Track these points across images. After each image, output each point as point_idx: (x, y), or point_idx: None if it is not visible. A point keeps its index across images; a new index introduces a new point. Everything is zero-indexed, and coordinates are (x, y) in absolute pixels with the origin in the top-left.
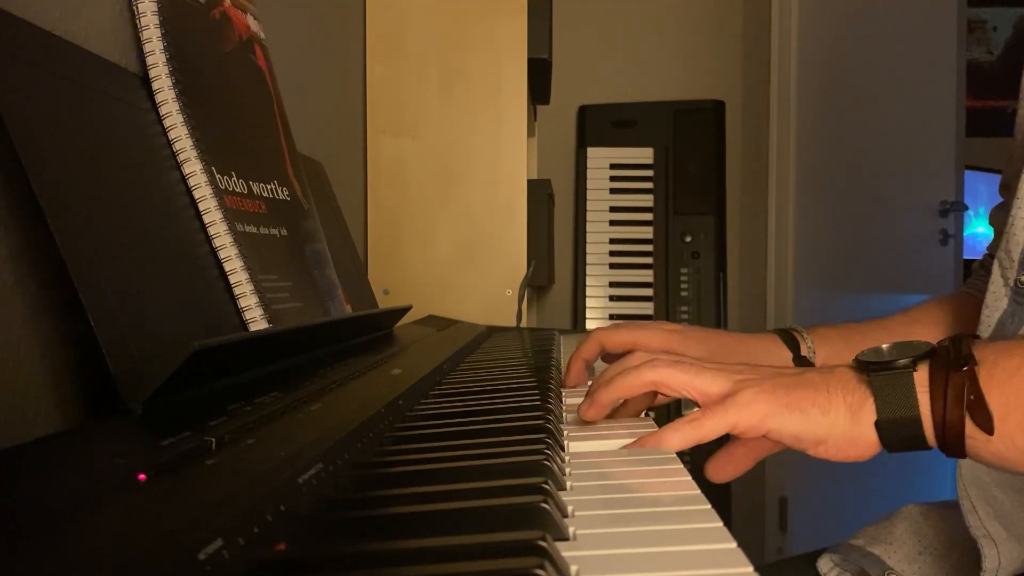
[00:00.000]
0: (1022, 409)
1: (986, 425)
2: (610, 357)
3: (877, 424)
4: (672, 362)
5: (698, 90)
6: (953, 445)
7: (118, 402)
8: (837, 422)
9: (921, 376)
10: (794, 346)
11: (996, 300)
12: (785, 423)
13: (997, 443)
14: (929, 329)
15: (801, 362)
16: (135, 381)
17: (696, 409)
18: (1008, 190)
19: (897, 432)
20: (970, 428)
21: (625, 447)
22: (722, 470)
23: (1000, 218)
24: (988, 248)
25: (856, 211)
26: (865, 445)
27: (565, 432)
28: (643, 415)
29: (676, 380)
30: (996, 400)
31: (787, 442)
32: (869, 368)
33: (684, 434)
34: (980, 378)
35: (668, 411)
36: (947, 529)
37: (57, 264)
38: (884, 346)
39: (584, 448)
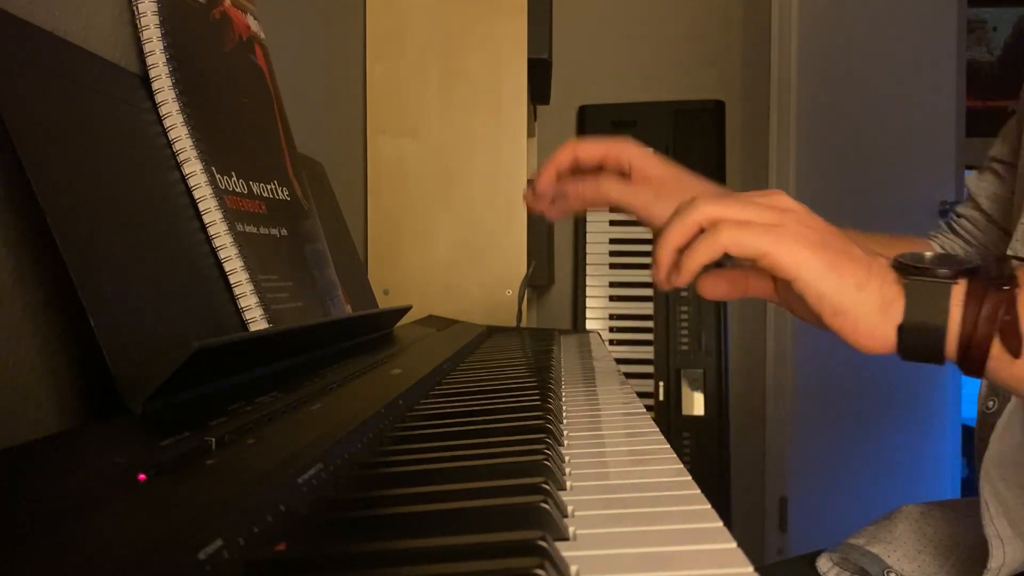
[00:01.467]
0: None
1: (1015, 347)
2: (579, 170)
3: (901, 327)
4: (743, 223)
5: (698, 90)
6: (974, 361)
7: (118, 402)
8: (866, 303)
9: (959, 290)
10: None
11: None
12: (819, 277)
13: (1021, 366)
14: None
15: None
16: (135, 381)
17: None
18: (1001, 166)
19: (919, 339)
20: (996, 348)
21: (659, 277)
22: (714, 286)
23: (981, 186)
24: (958, 209)
25: (856, 211)
26: (882, 341)
27: (565, 432)
28: (644, 412)
29: (732, 214)
30: None
31: (810, 298)
32: (909, 271)
33: (710, 248)
34: (1019, 300)
35: (667, 408)
36: (947, 528)
37: (57, 264)
38: (927, 253)
39: (584, 448)
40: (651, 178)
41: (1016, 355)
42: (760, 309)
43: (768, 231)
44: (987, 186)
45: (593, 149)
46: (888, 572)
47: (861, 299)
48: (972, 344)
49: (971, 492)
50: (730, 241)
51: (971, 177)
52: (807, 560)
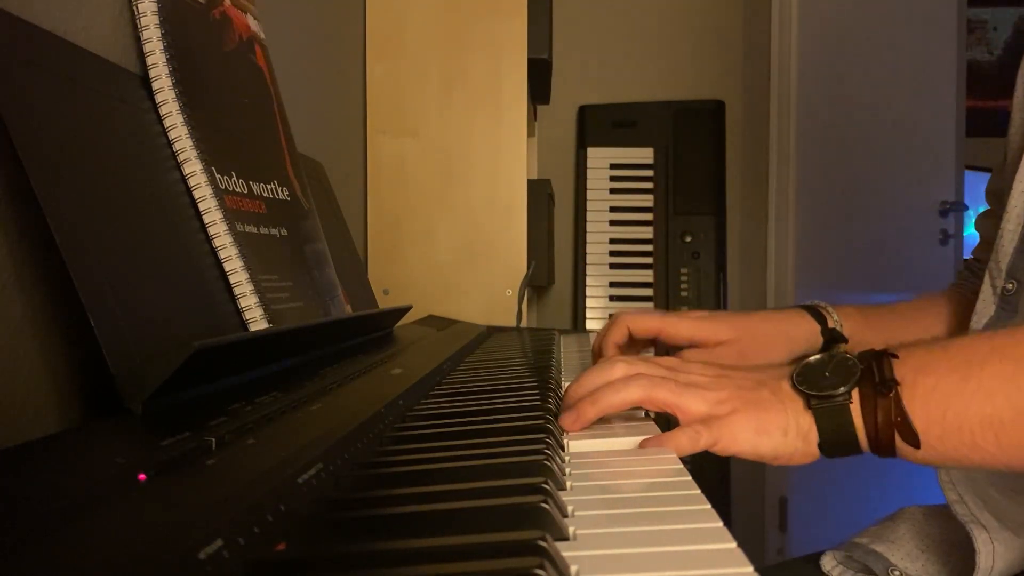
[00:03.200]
0: (939, 424)
1: (912, 440)
2: (633, 342)
3: (820, 444)
4: (658, 381)
5: (698, 90)
6: (885, 454)
7: (118, 402)
8: (793, 443)
9: (854, 405)
10: (821, 320)
11: (984, 307)
12: (755, 445)
13: (922, 453)
14: (932, 320)
15: (829, 334)
16: (135, 381)
17: (695, 424)
18: (995, 198)
19: (837, 449)
20: (899, 442)
21: (644, 444)
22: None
23: (986, 226)
24: (973, 252)
25: (856, 211)
26: (810, 459)
27: (565, 432)
28: (644, 415)
29: (660, 399)
30: (918, 417)
31: (750, 458)
32: (810, 399)
33: (693, 442)
34: (903, 398)
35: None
36: (949, 530)
37: (57, 264)
38: (815, 360)
39: (584, 448)
40: (725, 341)
41: (916, 446)
42: (760, 307)
43: (706, 430)
44: (987, 226)
45: (646, 324)
46: (892, 570)
47: (790, 443)
48: (879, 445)
49: None
50: (696, 446)
51: (978, 220)
52: (811, 561)
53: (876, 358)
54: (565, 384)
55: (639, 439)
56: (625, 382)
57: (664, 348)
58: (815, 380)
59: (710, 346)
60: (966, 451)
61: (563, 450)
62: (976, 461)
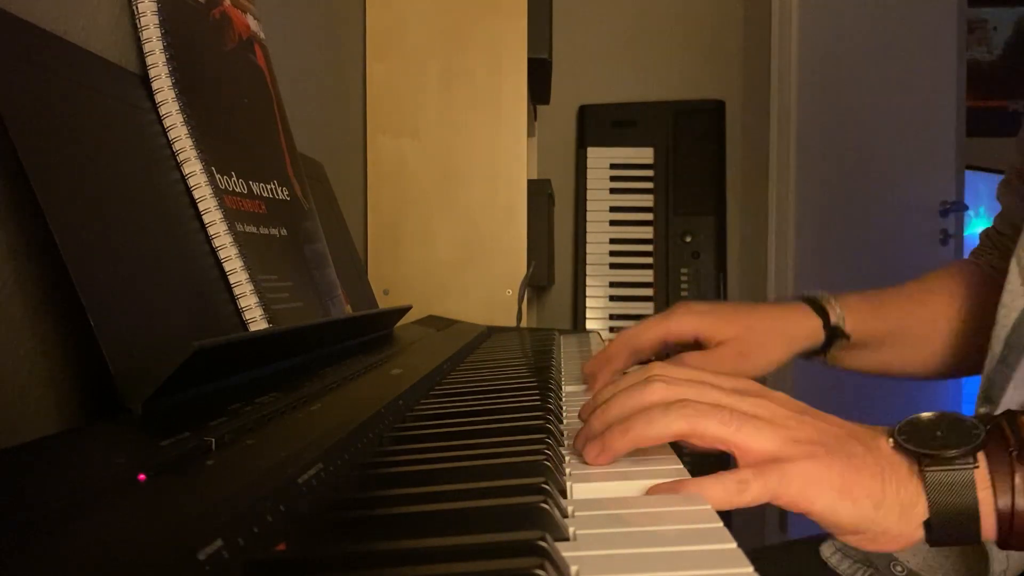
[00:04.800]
0: None
1: None
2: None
3: (927, 523)
4: (707, 410)
5: (698, 90)
6: (1019, 539)
7: (118, 402)
8: (886, 518)
9: (980, 472)
10: (823, 314)
11: (1013, 299)
12: (835, 511)
13: None
14: (944, 299)
15: (832, 330)
16: (135, 381)
17: (743, 468)
18: (1019, 177)
19: (950, 531)
20: None
21: (655, 489)
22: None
23: (1008, 199)
24: (994, 222)
25: (856, 211)
26: (907, 541)
27: (565, 432)
28: None
29: (711, 433)
30: None
31: (822, 524)
32: (921, 460)
33: (730, 495)
34: None
35: None
36: None
37: (57, 264)
38: (925, 418)
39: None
40: (726, 340)
41: None
42: None
43: (768, 473)
44: (1008, 197)
45: (650, 337)
46: (894, 564)
47: (881, 517)
48: (1012, 529)
49: None
50: (743, 499)
51: (999, 189)
52: (810, 546)
53: (1006, 417)
54: (565, 384)
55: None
56: (665, 410)
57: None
58: (925, 439)
59: (712, 344)
60: None
61: (563, 450)
62: None
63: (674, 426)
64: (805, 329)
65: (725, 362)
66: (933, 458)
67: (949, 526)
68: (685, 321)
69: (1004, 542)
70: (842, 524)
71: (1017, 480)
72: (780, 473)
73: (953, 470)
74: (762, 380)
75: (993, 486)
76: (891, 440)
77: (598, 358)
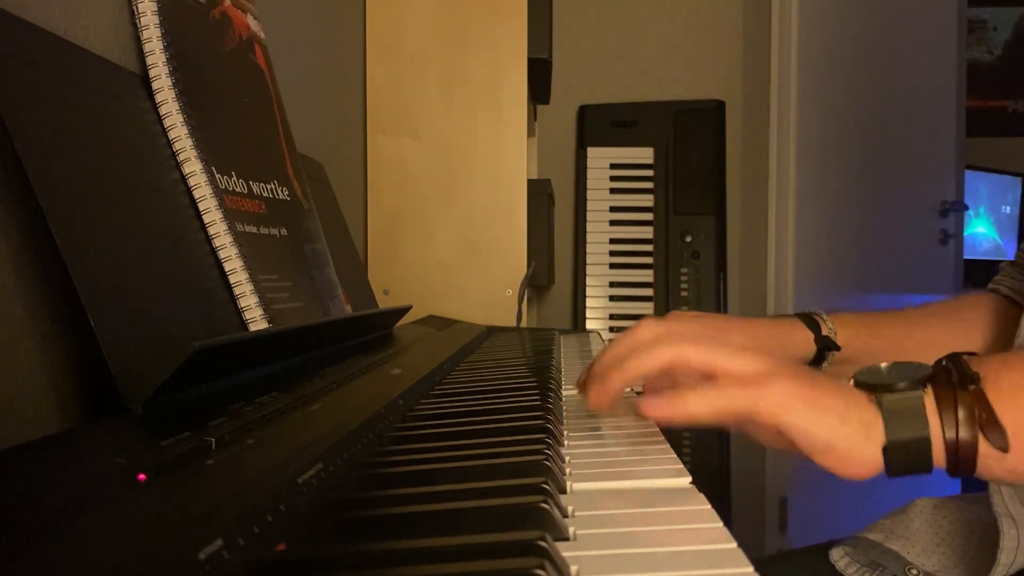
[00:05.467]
0: None
1: (1001, 442)
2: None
3: (885, 448)
4: (691, 338)
5: (698, 90)
6: (965, 465)
7: (118, 402)
8: (851, 434)
9: (929, 399)
10: (815, 327)
11: None
12: (806, 420)
13: (1011, 458)
14: (950, 324)
15: (823, 342)
16: (135, 381)
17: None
18: None
19: (905, 455)
20: (983, 447)
21: (647, 407)
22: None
23: None
24: (1020, 245)
25: (856, 211)
26: (870, 466)
27: (565, 432)
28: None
29: (696, 358)
30: (1007, 415)
31: (798, 441)
32: (875, 389)
33: (712, 403)
34: (988, 395)
35: None
36: (962, 520)
37: (57, 264)
38: (882, 366)
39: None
40: None
41: (1005, 449)
42: (760, 308)
43: (749, 387)
44: None
45: (650, 367)
46: (909, 568)
47: (847, 431)
48: (960, 447)
49: (970, 490)
50: (723, 405)
51: None
52: (818, 552)
53: (950, 358)
54: (565, 385)
55: (639, 438)
56: (653, 343)
57: None
58: (879, 377)
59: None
60: None
61: (563, 450)
62: None
63: (663, 355)
64: (798, 340)
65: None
66: (887, 388)
67: (904, 451)
68: (686, 352)
69: (952, 470)
70: (815, 435)
71: (960, 409)
72: (758, 386)
73: (904, 397)
74: None
75: (940, 414)
76: (849, 380)
77: (596, 382)
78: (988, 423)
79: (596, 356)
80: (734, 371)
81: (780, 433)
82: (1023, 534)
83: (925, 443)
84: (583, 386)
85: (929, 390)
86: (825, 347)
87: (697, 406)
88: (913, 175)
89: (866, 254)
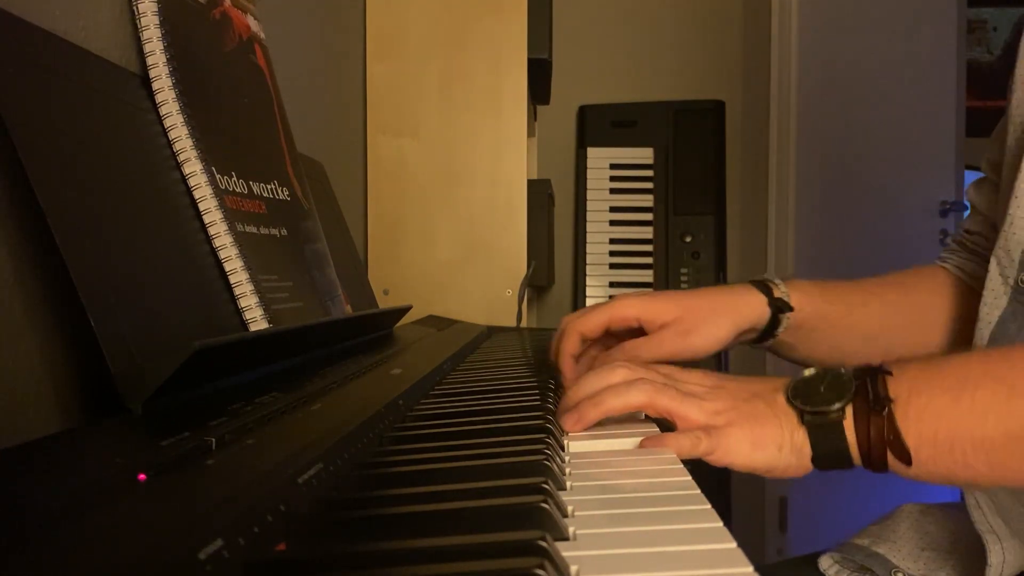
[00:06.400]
0: (931, 443)
1: (904, 458)
2: (589, 342)
3: (813, 459)
4: (659, 387)
5: (698, 90)
6: (877, 469)
7: (118, 402)
8: (787, 457)
9: (847, 421)
10: (767, 291)
11: (995, 298)
12: (752, 459)
13: (913, 470)
14: (900, 295)
15: (776, 304)
16: (135, 381)
17: (693, 431)
18: (992, 168)
19: (830, 462)
20: (891, 459)
21: (644, 443)
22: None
23: (982, 197)
24: (964, 225)
25: (856, 211)
26: (802, 472)
27: (565, 433)
28: (642, 416)
29: (663, 406)
30: (911, 435)
31: (745, 471)
32: (804, 414)
33: (694, 446)
34: (896, 416)
35: None
36: (949, 526)
37: (57, 264)
38: (810, 374)
39: (584, 448)
40: (667, 322)
41: (908, 463)
42: None
43: (704, 438)
44: (987, 195)
45: (595, 322)
46: (895, 572)
47: (784, 457)
48: (871, 461)
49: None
50: (696, 451)
51: (970, 190)
52: (808, 560)
53: (871, 374)
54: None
55: (638, 439)
56: (628, 386)
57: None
58: (809, 395)
59: (654, 327)
60: (957, 470)
61: (563, 450)
62: (966, 480)
63: (635, 398)
64: (748, 305)
65: (665, 344)
66: (812, 413)
67: (829, 459)
68: (627, 305)
69: (867, 466)
70: (756, 467)
71: (872, 429)
72: (717, 436)
73: (827, 421)
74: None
75: (856, 430)
76: (784, 395)
77: (555, 346)
78: (893, 443)
79: (571, 385)
80: (691, 420)
81: None
82: (1007, 547)
83: (844, 455)
84: (558, 412)
85: (848, 412)
86: (778, 309)
87: (683, 443)
88: (913, 175)
89: (866, 254)
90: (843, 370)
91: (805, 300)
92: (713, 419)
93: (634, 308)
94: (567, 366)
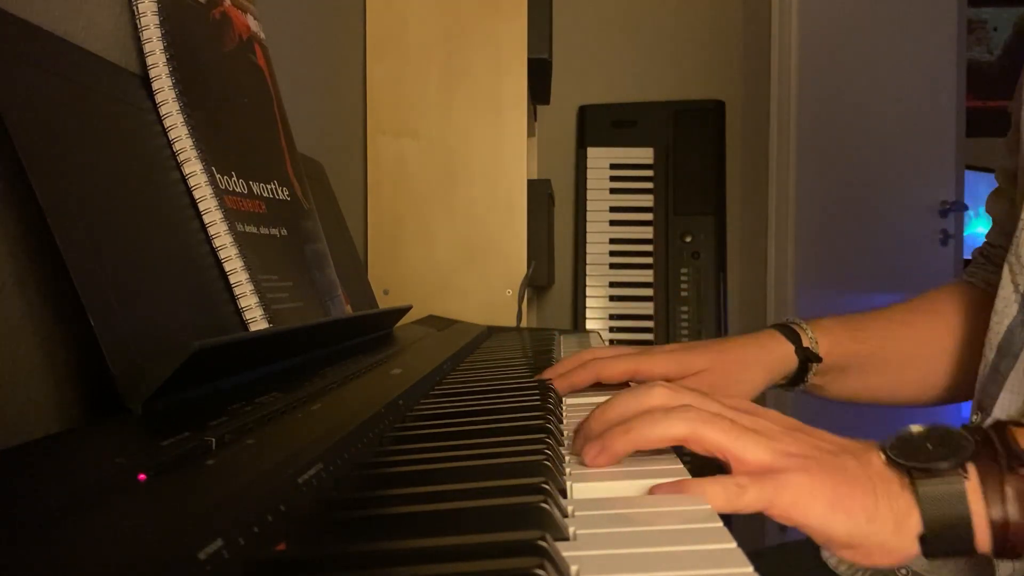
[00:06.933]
0: None
1: None
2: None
3: (922, 537)
4: (708, 417)
5: (698, 90)
6: (1011, 551)
7: (118, 402)
8: (880, 532)
9: (972, 484)
10: (795, 339)
11: (1006, 306)
12: (828, 523)
13: None
14: (930, 319)
15: (804, 353)
16: (135, 381)
17: (740, 475)
18: (1006, 177)
19: (944, 543)
20: None
21: (657, 488)
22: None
23: (999, 207)
24: (988, 237)
25: (856, 211)
26: (903, 555)
27: (565, 432)
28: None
29: (711, 440)
30: None
31: (816, 538)
32: (911, 472)
33: (730, 497)
34: None
35: None
36: None
37: (57, 264)
38: (915, 431)
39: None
40: (698, 372)
41: None
42: (760, 308)
43: (762, 483)
44: (1001, 205)
45: (618, 371)
46: (899, 568)
47: (874, 531)
48: (1006, 539)
49: None
50: (739, 504)
51: (988, 202)
52: (811, 547)
53: (993, 427)
54: None
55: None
56: (667, 413)
57: None
58: (917, 452)
59: (684, 378)
60: None
61: (563, 450)
62: None
63: (676, 429)
64: (776, 354)
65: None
66: (924, 471)
67: (944, 538)
68: (657, 362)
69: (999, 552)
70: (836, 536)
71: (1008, 490)
72: (775, 483)
73: (944, 483)
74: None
75: (985, 497)
76: (882, 455)
77: (564, 372)
78: None
79: (596, 409)
80: (749, 461)
81: None
82: (1017, 564)
83: (967, 531)
84: (577, 440)
85: (972, 471)
86: (807, 359)
87: (717, 502)
88: (913, 175)
89: (866, 254)
90: (953, 428)
91: (834, 343)
92: (779, 461)
93: (663, 365)
94: (562, 389)
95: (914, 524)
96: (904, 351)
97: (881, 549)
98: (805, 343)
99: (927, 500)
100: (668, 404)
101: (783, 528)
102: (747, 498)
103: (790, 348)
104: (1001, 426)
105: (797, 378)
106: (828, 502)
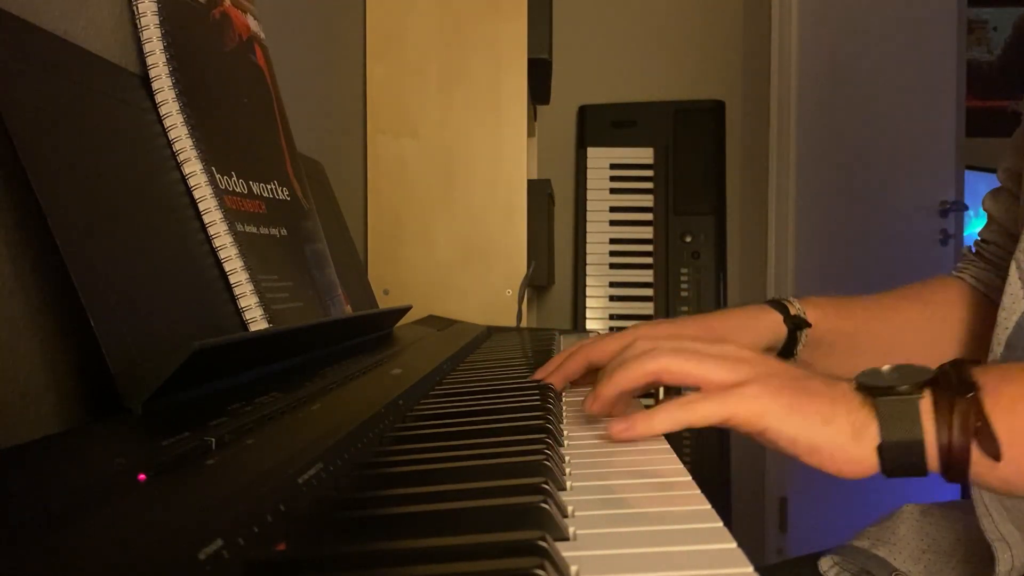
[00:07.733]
0: None
1: (993, 451)
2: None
3: (879, 448)
4: (674, 350)
5: (698, 90)
6: (957, 470)
7: (118, 402)
8: (838, 436)
9: (926, 403)
10: (783, 310)
11: (1014, 303)
12: (784, 424)
13: (1003, 468)
14: (917, 307)
15: (793, 322)
16: (135, 381)
17: (693, 393)
18: (1009, 177)
19: (899, 457)
20: (975, 454)
21: (613, 428)
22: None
23: (998, 205)
24: (981, 234)
25: (856, 211)
26: (863, 465)
27: (565, 432)
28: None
29: (678, 368)
30: (1001, 426)
31: (782, 444)
32: (873, 392)
33: (674, 417)
34: (984, 404)
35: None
36: (949, 527)
37: (57, 264)
38: (884, 368)
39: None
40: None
41: (996, 458)
42: None
43: (721, 396)
44: (1004, 205)
45: (609, 350)
46: (895, 574)
47: (832, 433)
48: (952, 453)
49: (969, 494)
50: (689, 417)
51: (986, 200)
52: (808, 561)
53: (951, 364)
54: None
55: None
56: (639, 357)
57: None
58: (878, 377)
59: None
60: None
61: (563, 450)
62: None
63: (647, 367)
64: (767, 323)
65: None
66: (884, 390)
67: (899, 453)
68: (643, 338)
69: (946, 472)
70: (796, 438)
71: (955, 417)
72: (736, 395)
73: (901, 401)
74: None
75: (935, 417)
76: (852, 384)
77: (551, 372)
78: (982, 431)
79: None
80: (713, 381)
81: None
82: (1016, 554)
83: (919, 446)
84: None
85: (927, 394)
86: (796, 326)
87: (663, 423)
88: (913, 175)
89: (866, 254)
90: (918, 365)
91: (821, 316)
92: (742, 378)
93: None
94: (558, 383)
95: (872, 435)
96: (887, 334)
97: (842, 453)
98: (792, 312)
99: (883, 412)
100: (642, 346)
101: (783, 527)
102: (701, 410)
103: (778, 317)
104: (960, 362)
105: (785, 351)
106: (785, 406)
